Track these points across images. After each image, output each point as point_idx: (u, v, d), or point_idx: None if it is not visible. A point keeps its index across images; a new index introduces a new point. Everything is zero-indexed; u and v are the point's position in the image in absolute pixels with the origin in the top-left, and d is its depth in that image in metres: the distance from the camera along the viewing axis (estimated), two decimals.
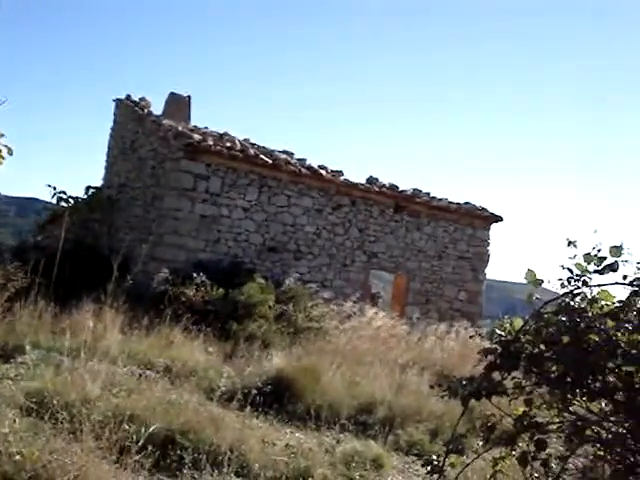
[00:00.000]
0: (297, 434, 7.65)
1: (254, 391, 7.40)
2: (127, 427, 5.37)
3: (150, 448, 5.18)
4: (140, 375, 7.69)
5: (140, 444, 5.19)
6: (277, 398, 8.30)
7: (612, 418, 3.39)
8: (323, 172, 17.35)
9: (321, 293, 15.32)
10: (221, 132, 17.92)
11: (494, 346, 3.34)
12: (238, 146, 16.33)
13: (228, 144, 16.09)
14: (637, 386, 3.18)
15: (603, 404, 3.45)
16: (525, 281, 3.76)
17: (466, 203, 19.98)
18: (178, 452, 5.73)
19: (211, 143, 15.58)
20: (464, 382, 3.31)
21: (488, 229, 20.17)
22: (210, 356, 9.81)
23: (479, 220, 19.95)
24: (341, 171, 18.15)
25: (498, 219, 20.16)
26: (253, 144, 18.13)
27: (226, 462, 5.84)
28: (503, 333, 3.38)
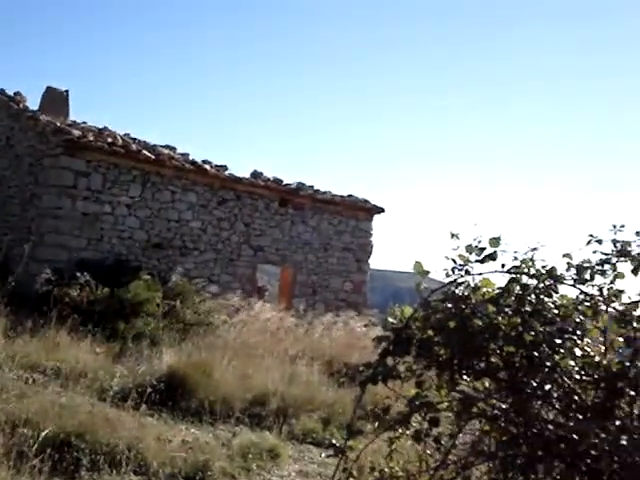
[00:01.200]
0: (193, 430, 7.71)
1: (148, 389, 7.41)
2: (22, 432, 5.28)
3: (48, 451, 5.12)
4: (28, 379, 7.53)
5: (36, 448, 5.13)
6: (170, 395, 8.31)
7: (496, 395, 3.67)
8: (207, 167, 17.31)
9: (208, 288, 15.31)
10: (100, 127, 17.55)
11: (387, 333, 3.55)
12: (119, 141, 16.05)
13: (109, 139, 15.79)
14: (517, 365, 3.46)
15: (487, 383, 3.73)
16: (411, 270, 4.00)
17: (349, 196, 20.41)
18: (75, 454, 5.69)
19: (91, 139, 15.24)
20: (361, 368, 3.50)
21: (371, 220, 20.69)
22: (99, 357, 9.67)
23: (362, 212, 20.43)
24: (225, 166, 18.17)
25: (380, 211, 20.71)
26: (134, 139, 17.85)
27: (124, 461, 5.85)
28: (395, 321, 3.60)
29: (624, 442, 2.80)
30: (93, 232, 15.18)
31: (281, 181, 19.01)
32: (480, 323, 3.44)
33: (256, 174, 18.68)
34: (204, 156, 18.23)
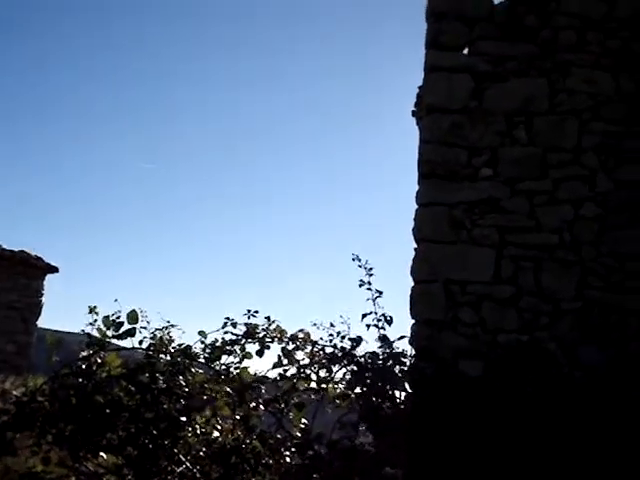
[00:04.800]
0: None
1: None
2: None
3: None
4: None
5: None
6: None
7: (126, 470, 3.72)
8: None
9: None
10: None
11: (8, 406, 3.44)
12: None
13: None
14: (141, 442, 3.55)
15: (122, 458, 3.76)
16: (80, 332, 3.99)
17: (21, 251, 19.27)
18: None
19: None
20: None
21: (43, 279, 19.70)
22: None
23: (33, 270, 19.34)
24: None
25: (54, 270, 19.81)
26: None
27: None
28: (18, 393, 3.50)
29: None
30: None
31: None
32: (102, 400, 3.48)
33: None
34: None
